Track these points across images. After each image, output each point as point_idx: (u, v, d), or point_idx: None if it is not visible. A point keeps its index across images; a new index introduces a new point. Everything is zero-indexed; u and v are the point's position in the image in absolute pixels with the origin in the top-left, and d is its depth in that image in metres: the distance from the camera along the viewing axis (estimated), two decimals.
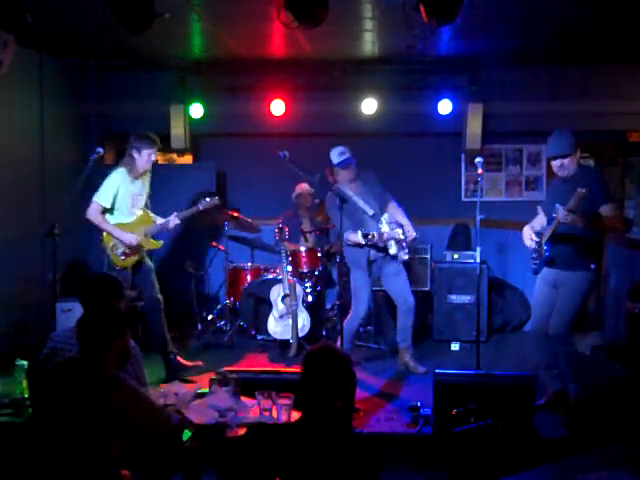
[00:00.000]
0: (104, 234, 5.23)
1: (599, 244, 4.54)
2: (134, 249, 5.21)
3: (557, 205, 4.32)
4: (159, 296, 5.36)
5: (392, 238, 5.25)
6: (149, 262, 5.41)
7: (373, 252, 5.37)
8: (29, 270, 5.96)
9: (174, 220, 5.37)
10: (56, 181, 6.32)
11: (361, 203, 5.33)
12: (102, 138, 7.37)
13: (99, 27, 5.09)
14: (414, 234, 5.37)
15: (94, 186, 6.37)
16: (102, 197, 5.16)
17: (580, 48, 6.42)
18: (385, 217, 5.31)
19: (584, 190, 4.04)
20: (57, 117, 6.65)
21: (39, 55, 6.27)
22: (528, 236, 4.62)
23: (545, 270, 4.60)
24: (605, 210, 4.32)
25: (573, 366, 4.50)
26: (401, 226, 5.38)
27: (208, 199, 5.50)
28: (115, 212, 5.24)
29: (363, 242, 5.12)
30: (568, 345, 4.49)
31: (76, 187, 5.24)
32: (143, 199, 5.37)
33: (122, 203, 5.22)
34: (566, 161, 4.38)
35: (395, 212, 5.45)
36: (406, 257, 5.42)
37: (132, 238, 5.16)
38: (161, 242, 5.47)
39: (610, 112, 6.93)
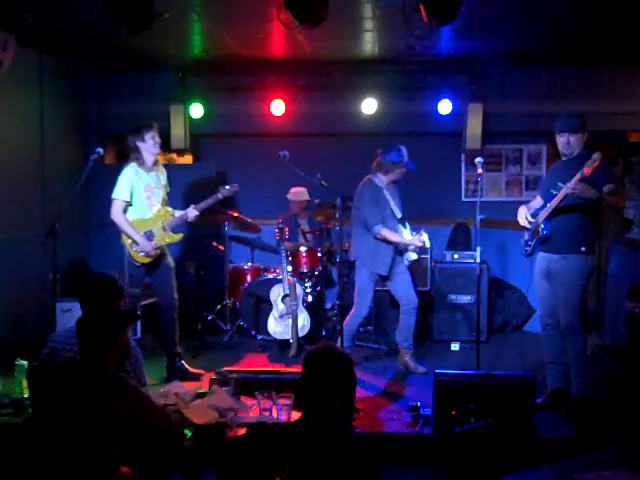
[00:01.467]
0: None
1: (595, 227, 4.51)
2: (149, 252, 5.16)
3: (559, 183, 4.30)
4: (175, 296, 5.31)
5: (414, 245, 5.37)
6: (169, 261, 5.36)
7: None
8: (29, 270, 5.96)
9: (192, 211, 5.32)
10: (56, 181, 6.32)
11: (392, 204, 5.41)
12: (102, 138, 7.38)
13: (99, 27, 5.10)
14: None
15: (94, 186, 6.39)
16: (120, 193, 5.11)
17: (580, 48, 6.42)
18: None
19: (600, 155, 4.03)
20: (57, 117, 6.64)
21: (39, 55, 6.26)
22: (523, 215, 4.60)
23: (538, 259, 4.60)
24: (608, 189, 4.28)
25: (581, 360, 4.48)
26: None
27: (227, 187, 5.45)
28: (132, 207, 5.19)
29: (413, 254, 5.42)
30: (581, 336, 4.47)
31: (76, 187, 5.25)
32: (160, 193, 5.30)
33: (138, 197, 5.18)
34: (572, 138, 4.38)
35: None
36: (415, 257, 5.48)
37: (149, 247, 5.13)
38: (181, 235, 5.38)
39: (610, 112, 6.93)
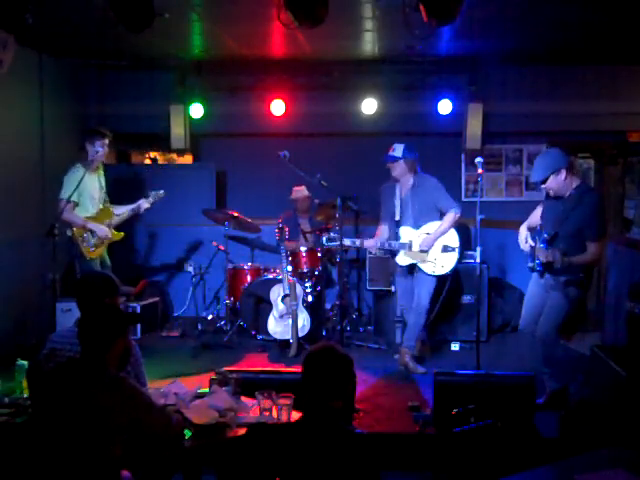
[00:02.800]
0: (74, 228, 5.42)
1: None
2: (104, 240, 5.51)
3: (546, 231, 4.37)
4: None
5: (396, 249, 5.43)
6: (108, 259, 5.66)
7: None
8: (29, 270, 5.96)
9: (144, 204, 5.72)
10: (56, 181, 6.29)
11: (396, 204, 5.43)
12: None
13: (99, 27, 5.10)
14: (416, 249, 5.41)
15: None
16: (68, 193, 5.34)
17: (580, 48, 6.42)
18: (424, 228, 5.41)
19: (564, 259, 4.14)
20: (57, 117, 6.64)
21: (39, 55, 6.26)
22: (523, 239, 4.61)
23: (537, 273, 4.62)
24: (590, 247, 4.31)
25: (567, 367, 4.53)
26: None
27: (153, 192, 5.79)
28: (79, 206, 5.45)
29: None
30: (554, 348, 4.51)
31: (76, 187, 5.26)
32: (101, 193, 5.60)
33: (85, 197, 5.45)
34: (548, 184, 4.38)
35: (442, 223, 5.41)
36: (440, 272, 5.41)
37: (105, 231, 5.49)
38: (122, 234, 5.69)
39: (610, 112, 6.94)
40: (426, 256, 5.40)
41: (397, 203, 5.45)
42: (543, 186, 4.44)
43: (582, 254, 4.32)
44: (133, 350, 3.13)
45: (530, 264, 4.57)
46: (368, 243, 5.55)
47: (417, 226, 5.42)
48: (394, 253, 5.54)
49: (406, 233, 5.45)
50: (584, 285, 4.48)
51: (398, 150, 5.34)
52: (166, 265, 7.53)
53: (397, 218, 5.44)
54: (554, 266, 4.26)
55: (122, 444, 2.64)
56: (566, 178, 4.35)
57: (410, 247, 5.41)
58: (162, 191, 5.86)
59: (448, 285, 5.77)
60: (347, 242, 5.50)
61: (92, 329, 2.74)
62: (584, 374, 4.57)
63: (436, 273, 5.41)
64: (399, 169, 5.38)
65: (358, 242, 5.55)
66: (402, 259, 5.47)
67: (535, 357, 4.79)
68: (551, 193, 4.45)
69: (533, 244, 4.50)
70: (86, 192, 5.44)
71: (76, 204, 5.42)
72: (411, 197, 5.43)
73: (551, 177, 4.34)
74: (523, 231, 4.67)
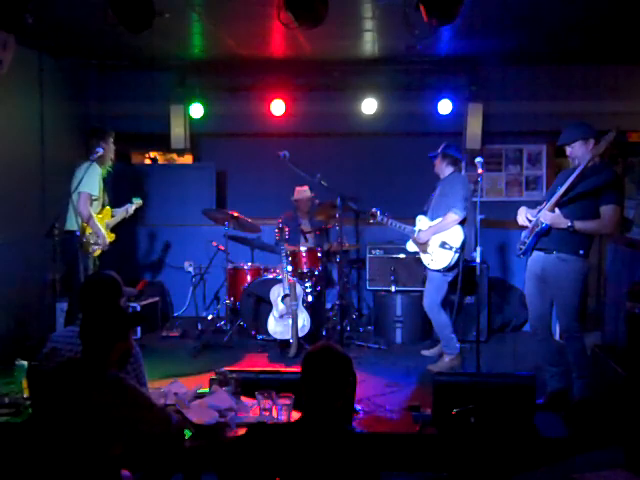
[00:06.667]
0: (84, 224, 5.41)
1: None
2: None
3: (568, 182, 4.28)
4: None
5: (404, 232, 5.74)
6: (97, 260, 5.68)
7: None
8: (29, 270, 5.96)
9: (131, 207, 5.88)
10: (56, 181, 6.30)
11: (434, 196, 5.72)
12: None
13: (99, 27, 5.10)
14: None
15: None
16: (91, 187, 5.34)
17: (580, 48, 6.42)
18: (434, 221, 5.55)
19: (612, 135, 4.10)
20: (57, 117, 6.64)
21: (39, 55, 6.26)
22: (523, 214, 4.60)
23: (531, 261, 4.57)
24: (606, 210, 4.25)
25: (581, 362, 4.45)
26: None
27: (134, 199, 5.94)
28: (93, 204, 5.48)
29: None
30: (579, 339, 4.45)
31: (76, 187, 5.25)
32: (105, 191, 5.66)
33: (99, 195, 5.49)
34: (573, 149, 4.37)
35: (441, 220, 5.51)
36: (434, 267, 5.51)
37: (107, 242, 5.54)
38: (114, 235, 5.73)
39: (610, 112, 6.93)
40: (427, 248, 5.54)
41: (434, 194, 5.72)
42: (569, 150, 4.40)
43: (590, 220, 4.26)
44: (133, 350, 3.13)
45: (524, 242, 4.55)
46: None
47: (431, 218, 5.60)
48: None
49: (421, 222, 5.66)
50: (584, 264, 4.40)
51: (440, 147, 5.63)
52: (166, 265, 7.53)
53: (425, 208, 5.71)
54: (558, 225, 4.22)
55: (122, 444, 2.64)
56: (592, 150, 4.34)
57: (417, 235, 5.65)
58: (139, 199, 6.00)
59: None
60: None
61: (95, 330, 2.74)
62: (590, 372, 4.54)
63: (430, 267, 5.53)
64: (437, 164, 5.68)
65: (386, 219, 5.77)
66: (410, 245, 5.73)
67: (537, 356, 4.78)
68: (575, 162, 4.40)
69: (533, 219, 4.48)
70: (100, 191, 5.51)
71: (96, 199, 5.46)
72: (437, 191, 5.65)
73: (579, 142, 4.34)
74: (524, 208, 4.66)
